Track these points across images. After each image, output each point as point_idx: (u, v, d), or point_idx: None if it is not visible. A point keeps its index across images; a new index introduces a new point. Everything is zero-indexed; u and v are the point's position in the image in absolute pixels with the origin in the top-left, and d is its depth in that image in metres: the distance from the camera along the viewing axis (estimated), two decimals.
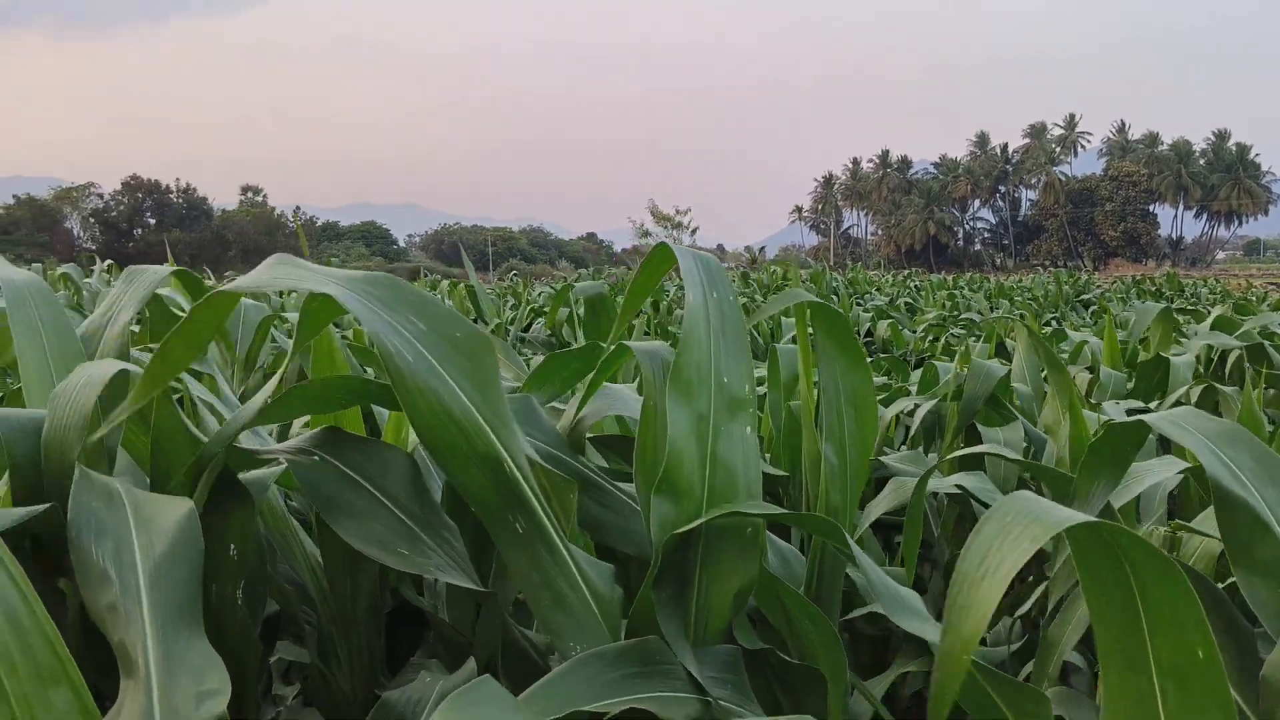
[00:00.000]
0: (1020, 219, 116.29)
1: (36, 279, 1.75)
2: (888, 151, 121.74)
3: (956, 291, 16.93)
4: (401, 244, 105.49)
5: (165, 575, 1.27)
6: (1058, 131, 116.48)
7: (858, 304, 13.18)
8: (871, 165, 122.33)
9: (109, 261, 9.84)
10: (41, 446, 1.38)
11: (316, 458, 1.56)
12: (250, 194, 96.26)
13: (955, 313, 11.46)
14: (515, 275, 16.88)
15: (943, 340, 7.97)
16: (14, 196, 79.82)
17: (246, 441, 1.77)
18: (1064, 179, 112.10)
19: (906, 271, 34.74)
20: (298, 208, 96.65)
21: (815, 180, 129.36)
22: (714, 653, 1.38)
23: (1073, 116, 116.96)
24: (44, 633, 0.90)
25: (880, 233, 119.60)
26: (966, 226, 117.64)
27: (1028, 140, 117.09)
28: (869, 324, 10.21)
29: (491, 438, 1.26)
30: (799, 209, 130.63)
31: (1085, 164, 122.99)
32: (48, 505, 1.30)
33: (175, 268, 1.96)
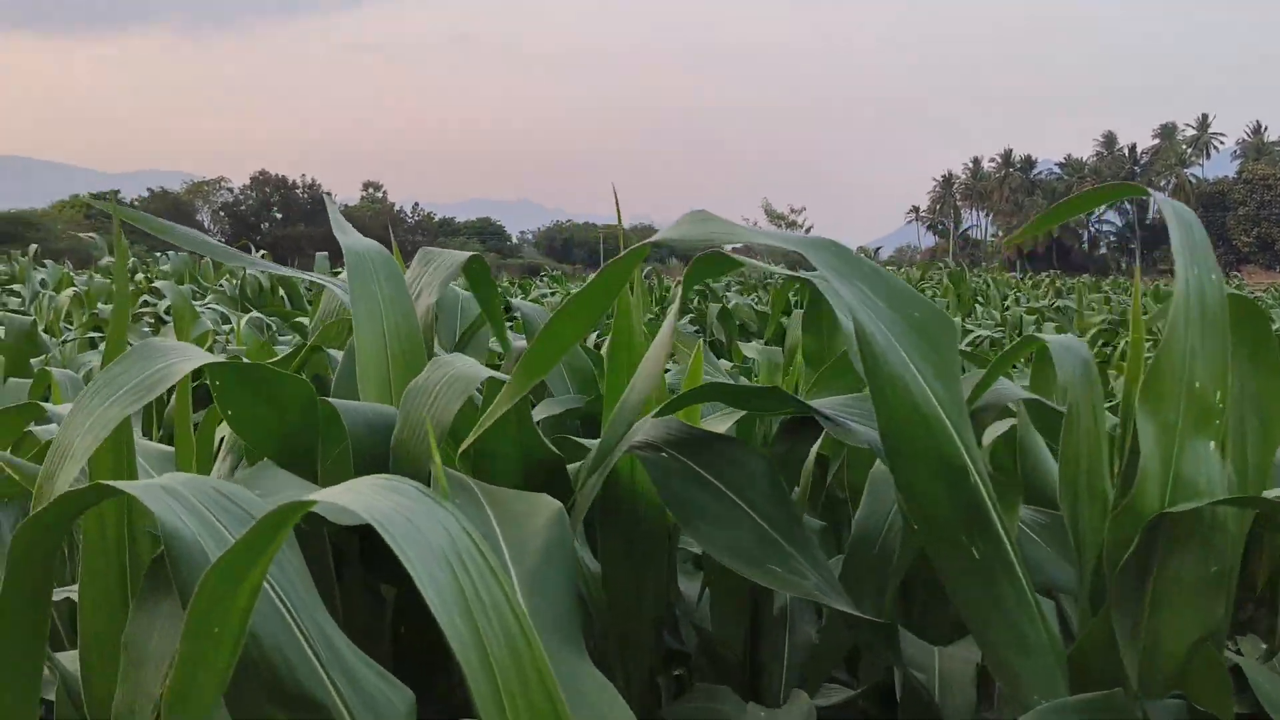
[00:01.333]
0: (1148, 222, 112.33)
1: (382, 250, 1.60)
2: (1010, 151, 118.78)
3: (1112, 295, 16.11)
4: (515, 240, 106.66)
5: (541, 584, 1.10)
6: (1189, 133, 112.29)
7: (1016, 305, 12.65)
8: (993, 165, 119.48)
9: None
10: (393, 448, 1.23)
11: (665, 454, 1.38)
12: (371, 190, 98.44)
13: (1121, 317, 10.89)
14: (652, 269, 16.64)
15: (1119, 347, 7.49)
16: (148, 190, 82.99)
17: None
18: (1195, 181, 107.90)
19: (1048, 274, 33.28)
20: (416, 203, 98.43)
21: (934, 180, 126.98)
22: (1166, 708, 1.16)
23: (1205, 117, 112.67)
24: (539, 668, 0.73)
25: (1000, 234, 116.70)
26: (1092, 229, 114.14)
27: (1157, 141, 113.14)
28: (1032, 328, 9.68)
29: (957, 441, 1.06)
30: (915, 209, 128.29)
31: (1218, 166, 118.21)
32: None
33: (471, 253, 1.81)
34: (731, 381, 2.30)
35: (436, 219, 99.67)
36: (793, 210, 72.67)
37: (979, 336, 7.12)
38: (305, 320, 5.62)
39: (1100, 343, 8.77)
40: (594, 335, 3.83)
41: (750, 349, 6.55)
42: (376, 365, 1.42)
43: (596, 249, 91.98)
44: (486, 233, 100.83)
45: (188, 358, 1.04)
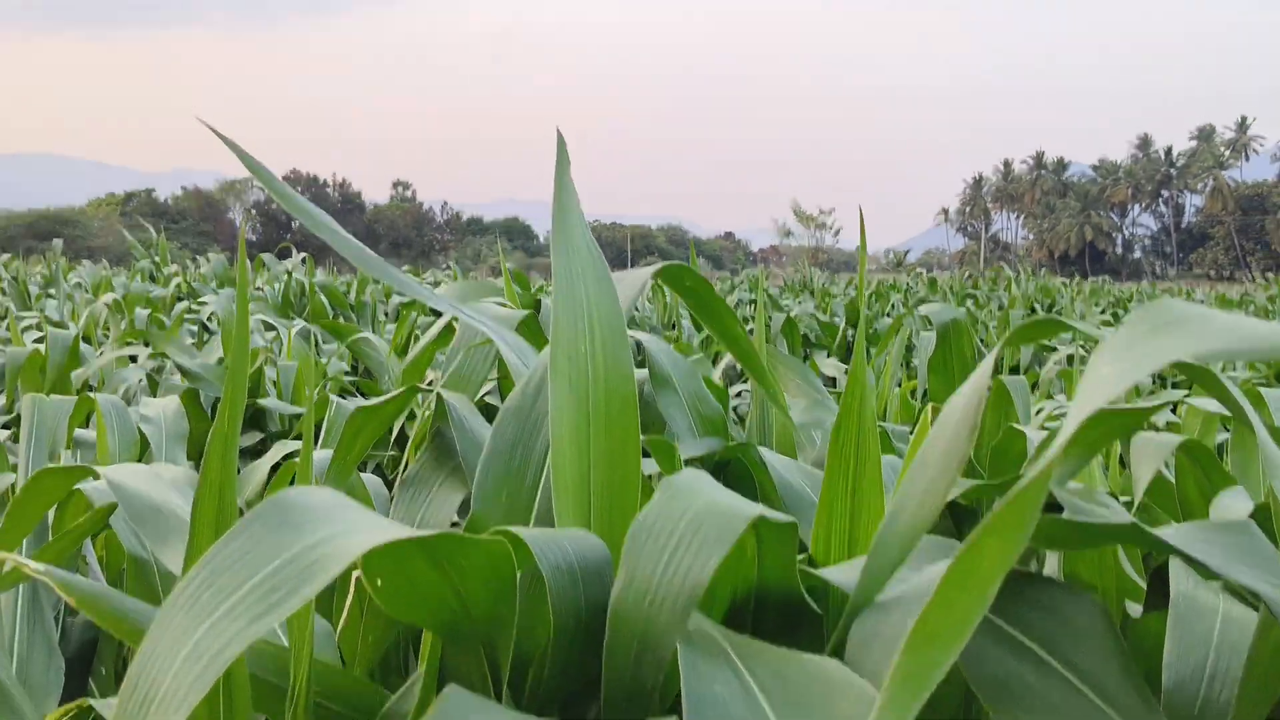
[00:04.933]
0: (1184, 226, 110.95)
1: (595, 256, 1.14)
2: (1042, 153, 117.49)
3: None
4: (542, 240, 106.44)
5: None
6: (1228, 135, 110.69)
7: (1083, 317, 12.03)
8: (1025, 167, 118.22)
9: (304, 254, 9.59)
10: (611, 612, 0.84)
11: None
12: (400, 189, 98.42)
13: None
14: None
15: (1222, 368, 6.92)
16: (181, 188, 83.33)
17: None
18: (1233, 184, 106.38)
19: (1097, 280, 31.95)
20: (445, 203, 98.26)
21: (964, 181, 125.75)
22: None
23: (1244, 119, 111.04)
24: None
25: (1031, 237, 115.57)
26: (1126, 233, 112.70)
27: (1194, 143, 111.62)
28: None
29: None
30: (945, 211, 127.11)
31: (1257, 169, 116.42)
32: None
33: (667, 263, 1.36)
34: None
35: (465, 218, 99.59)
36: (821, 211, 71.77)
37: (1064, 355, 6.61)
38: (358, 329, 5.26)
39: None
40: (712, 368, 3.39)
41: (829, 365, 6.14)
42: (576, 456, 1.02)
43: (624, 249, 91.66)
44: (514, 232, 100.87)
45: (345, 527, 0.65)
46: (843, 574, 1.06)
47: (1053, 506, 1.14)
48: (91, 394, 3.69)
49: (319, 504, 0.69)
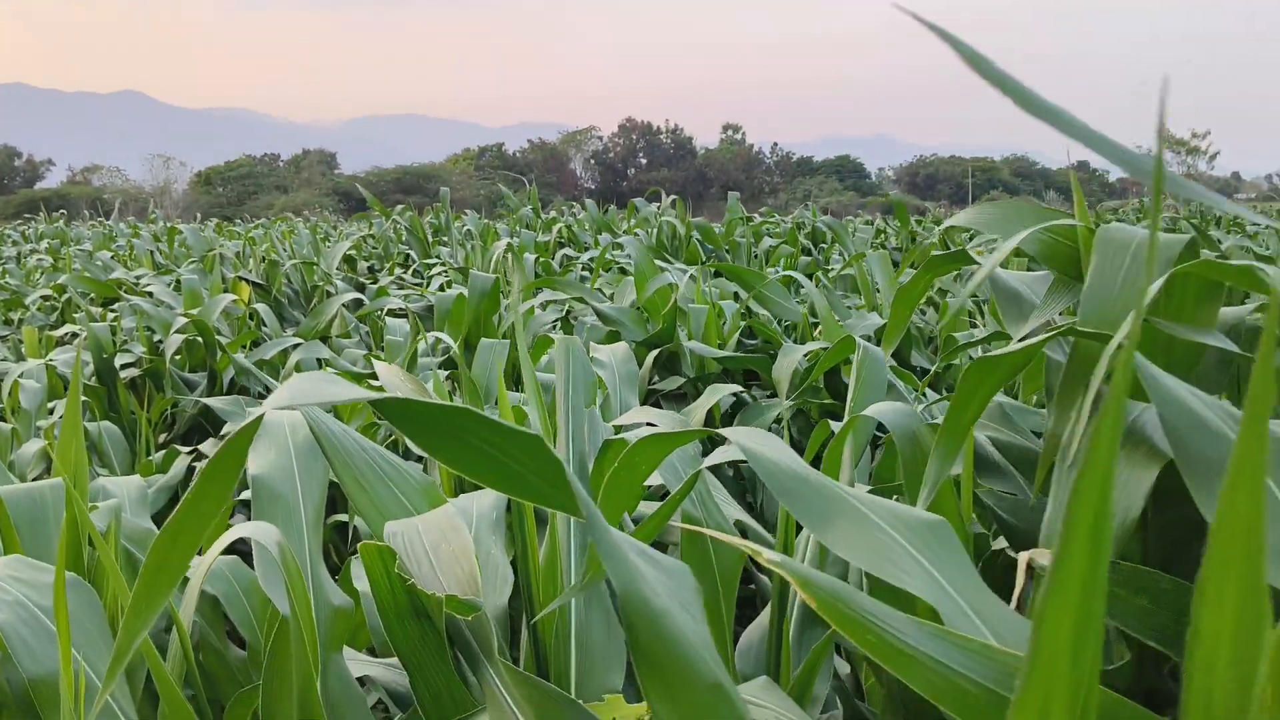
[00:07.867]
0: None
1: None
2: None
3: None
4: (873, 178, 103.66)
5: None
6: None
7: None
8: None
9: (673, 197, 9.57)
10: None
11: None
12: (730, 132, 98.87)
13: None
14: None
15: None
16: (527, 141, 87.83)
17: None
18: None
19: None
20: (775, 144, 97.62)
21: None
22: None
23: None
24: None
25: None
26: None
27: None
28: None
29: None
30: None
31: None
32: None
33: None
34: None
35: (794, 158, 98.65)
36: (1194, 135, 64.52)
37: None
38: (764, 275, 5.06)
39: None
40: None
41: None
42: None
43: (963, 183, 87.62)
44: (844, 171, 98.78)
45: None
46: None
47: None
48: (554, 335, 3.69)
49: None
